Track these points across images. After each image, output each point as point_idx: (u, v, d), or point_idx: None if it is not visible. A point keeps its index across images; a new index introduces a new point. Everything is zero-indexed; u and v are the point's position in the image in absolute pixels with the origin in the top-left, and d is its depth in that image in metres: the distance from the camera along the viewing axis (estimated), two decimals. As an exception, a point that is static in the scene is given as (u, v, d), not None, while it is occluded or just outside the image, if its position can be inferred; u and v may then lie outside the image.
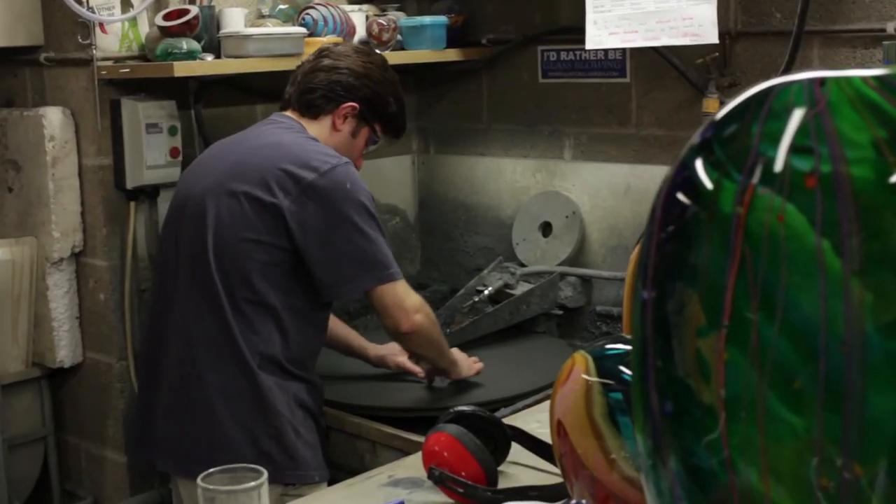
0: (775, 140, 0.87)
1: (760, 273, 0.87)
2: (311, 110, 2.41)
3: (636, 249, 1.57)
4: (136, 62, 2.80)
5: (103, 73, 2.75)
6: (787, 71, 2.65)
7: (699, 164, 0.91)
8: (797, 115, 0.87)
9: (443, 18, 3.21)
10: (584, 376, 1.34)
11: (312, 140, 2.35)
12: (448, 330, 2.96)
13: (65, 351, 2.90)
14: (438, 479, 1.53)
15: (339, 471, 2.37)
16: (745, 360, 0.88)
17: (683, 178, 0.93)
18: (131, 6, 2.81)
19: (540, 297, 3.09)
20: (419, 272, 3.65)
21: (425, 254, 3.65)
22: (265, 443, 2.21)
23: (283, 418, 2.24)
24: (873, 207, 0.84)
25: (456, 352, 2.56)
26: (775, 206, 0.86)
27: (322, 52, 2.46)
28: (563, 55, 3.24)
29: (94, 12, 2.72)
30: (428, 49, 3.18)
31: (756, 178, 0.87)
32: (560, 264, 3.19)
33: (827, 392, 0.85)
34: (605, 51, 3.08)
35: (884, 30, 2.61)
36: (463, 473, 1.53)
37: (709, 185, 0.90)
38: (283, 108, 2.47)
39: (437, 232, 3.61)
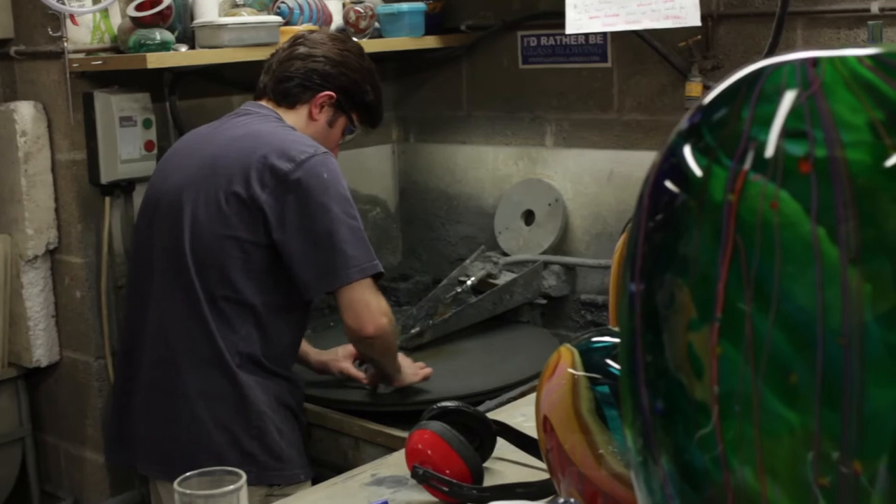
0: (767, 124, 0.83)
1: (754, 263, 0.83)
2: (287, 99, 2.36)
3: (622, 238, 1.54)
4: (108, 54, 2.75)
5: (75, 65, 2.69)
6: (770, 53, 2.61)
7: (688, 151, 0.87)
8: (790, 98, 0.84)
9: (421, 5, 3.16)
10: (571, 370, 1.30)
11: (289, 129, 2.31)
12: (431, 321, 2.92)
13: (41, 350, 2.85)
14: (422, 477, 1.49)
15: (322, 467, 2.33)
16: (738, 355, 0.84)
17: (671, 165, 0.88)
18: (102, -3, 2.75)
19: (523, 287, 3.05)
20: (401, 263, 3.60)
21: (406, 244, 3.61)
22: (248, 443, 2.17)
23: (266, 417, 2.19)
24: (870, 192, 0.80)
25: (401, 357, 2.49)
26: (768, 193, 0.82)
27: (297, 40, 2.41)
28: (544, 40, 3.20)
29: (64, 4, 2.66)
30: (406, 36, 3.13)
31: (748, 164, 0.83)
32: (543, 252, 3.15)
33: (824, 386, 0.81)
34: (586, 35, 3.04)
35: (867, 10, 2.57)
36: (447, 471, 1.49)
37: (698, 172, 0.86)
38: (258, 98, 2.42)
39: (419, 222, 3.57)
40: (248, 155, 2.19)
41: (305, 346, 2.55)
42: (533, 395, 2.13)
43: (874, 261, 0.79)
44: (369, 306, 2.21)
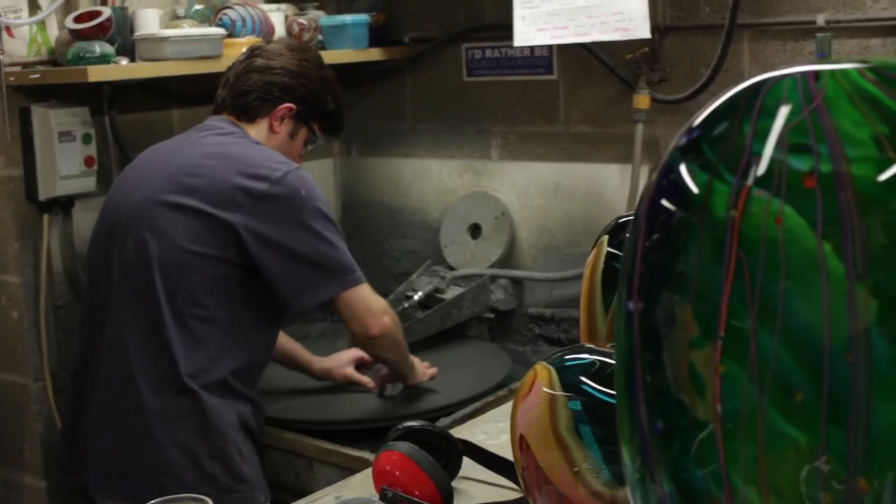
0: (769, 137, 0.82)
1: (757, 279, 0.81)
2: (246, 114, 2.32)
3: (593, 253, 1.52)
4: (46, 67, 2.68)
5: (11, 79, 2.62)
6: (719, 65, 2.63)
7: (687, 167, 0.85)
8: (792, 112, 0.82)
9: (364, 17, 3.13)
10: (547, 389, 1.27)
11: (256, 145, 2.27)
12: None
13: (-23, 372, 2.76)
14: (392, 500, 1.46)
15: (275, 489, 2.28)
16: (742, 373, 0.83)
17: (669, 181, 0.86)
18: (39, 9, 2.68)
19: (471, 301, 3.03)
20: (345, 278, 3.55)
21: (351, 259, 3.56)
22: (209, 464, 2.11)
23: (229, 439, 2.14)
24: (876, 207, 0.79)
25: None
26: (773, 209, 0.81)
27: (254, 52, 2.37)
28: (489, 52, 3.18)
29: (0, 15, 2.59)
30: (350, 49, 3.10)
31: (751, 180, 0.81)
32: (490, 266, 3.13)
33: (831, 404, 0.80)
34: (532, 48, 3.03)
35: (813, 22, 2.60)
36: (417, 493, 1.46)
37: (699, 188, 0.84)
38: (217, 112, 2.37)
39: (362, 236, 3.53)
40: (220, 174, 2.15)
41: (308, 355, 2.57)
42: (491, 412, 2.13)
43: (881, 276, 0.78)
44: (370, 309, 2.26)
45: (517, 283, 3.13)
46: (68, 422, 2.34)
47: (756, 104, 0.84)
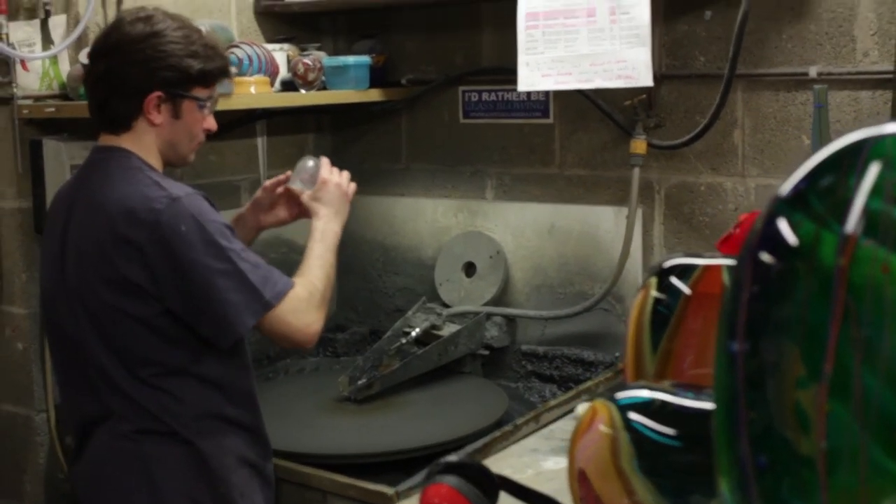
0: (875, 192, 0.89)
1: (864, 324, 0.88)
2: (118, 125, 2.09)
3: (640, 294, 1.58)
4: (57, 101, 2.71)
5: (25, 112, 2.64)
6: (716, 113, 2.72)
7: (794, 217, 0.92)
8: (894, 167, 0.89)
9: (366, 58, 3.19)
10: (603, 428, 1.33)
11: (130, 178, 2.04)
12: (377, 373, 2.93)
13: (-22, 403, 2.76)
14: (445, 531, 1.49)
15: (290, 524, 2.31)
16: (846, 412, 0.89)
17: (776, 230, 0.93)
18: (52, 43, 2.71)
19: (467, 338, 3.08)
20: (336, 314, 3.59)
21: (342, 295, 3.61)
22: None
23: (230, 484, 2.08)
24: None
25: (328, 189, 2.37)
26: (879, 258, 0.87)
27: (92, 56, 2.13)
28: (485, 95, 3.26)
29: (14, 49, 2.62)
30: (352, 89, 3.16)
31: (858, 230, 0.88)
32: (485, 304, 3.19)
33: (930, 442, 0.86)
34: (528, 92, 3.11)
35: (806, 74, 2.70)
36: (466, 525, 1.50)
37: (807, 238, 0.91)
38: (97, 135, 2.18)
39: (355, 273, 3.57)
40: (101, 234, 1.99)
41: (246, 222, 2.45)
42: (513, 448, 2.19)
43: (979, 322, 0.85)
44: (290, 329, 2.07)
45: (511, 320, 3.20)
46: (71, 467, 2.27)
47: (860, 159, 0.91)
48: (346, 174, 2.41)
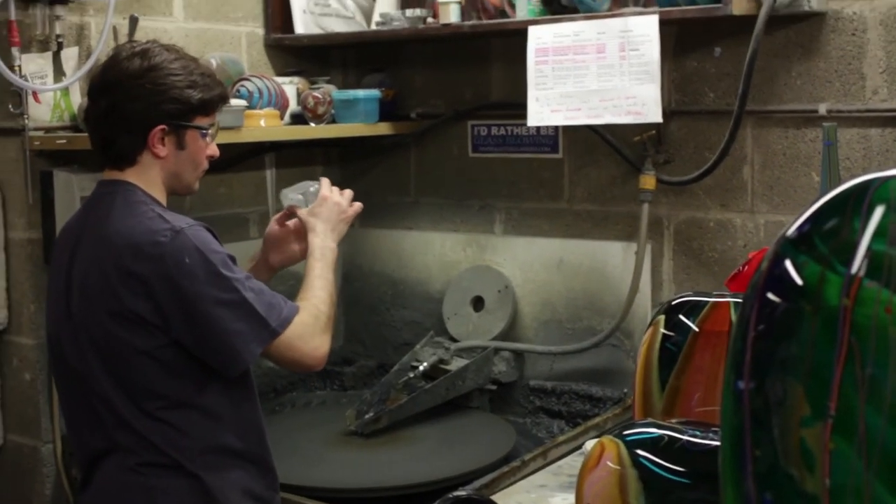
0: (879, 234, 0.89)
1: (868, 363, 0.88)
2: (123, 160, 2.09)
3: (649, 331, 1.59)
4: (67, 133, 2.72)
5: (36, 143, 2.66)
6: (725, 150, 2.73)
7: (799, 259, 0.92)
8: (900, 209, 0.89)
9: (375, 92, 3.21)
10: (611, 464, 1.32)
11: (135, 212, 2.04)
12: (384, 407, 2.93)
13: (-15, 433, 2.76)
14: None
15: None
16: (851, 450, 0.89)
17: (781, 270, 0.93)
18: (64, 75, 2.73)
19: (475, 373, 3.08)
20: (342, 347, 3.59)
21: (349, 328, 3.61)
22: None
23: None
24: (980, 299, 0.86)
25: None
26: (883, 299, 0.88)
27: (91, 93, 2.13)
28: (494, 130, 3.27)
29: (27, 80, 2.64)
30: (361, 122, 3.17)
31: (862, 272, 0.89)
32: (493, 339, 3.19)
33: (934, 481, 0.86)
34: (538, 127, 3.12)
35: (815, 111, 2.71)
36: (473, 560, 1.50)
37: (812, 278, 0.91)
38: (102, 169, 2.17)
39: (362, 306, 3.58)
40: (107, 267, 1.99)
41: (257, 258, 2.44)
42: (521, 483, 2.18)
43: (983, 363, 0.85)
44: (298, 355, 2.07)
45: (519, 355, 3.19)
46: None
47: (865, 201, 0.91)
48: (348, 193, 2.41)
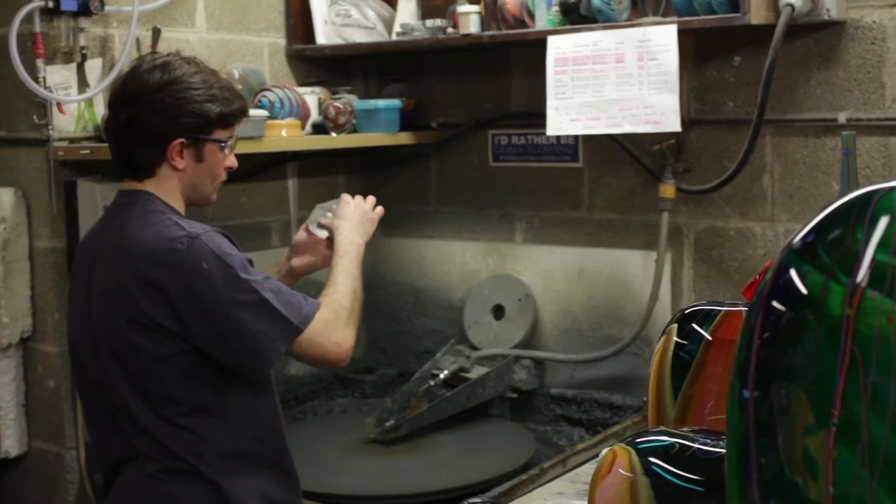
0: (882, 244, 0.90)
1: (871, 372, 0.89)
2: (142, 172, 2.11)
3: (662, 340, 1.59)
4: (91, 143, 2.76)
5: (60, 153, 2.70)
6: (745, 159, 2.73)
7: (803, 269, 0.93)
8: (903, 219, 0.90)
9: (396, 102, 3.23)
10: (623, 472, 1.33)
11: (152, 220, 2.06)
12: (405, 414, 2.94)
13: (10, 440, 2.79)
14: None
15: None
16: (854, 458, 0.90)
17: (786, 280, 0.94)
18: (88, 86, 2.77)
19: (495, 381, 3.09)
20: (364, 355, 3.61)
21: (371, 337, 3.63)
22: None
23: None
24: (981, 308, 0.86)
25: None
26: (885, 308, 0.88)
27: (112, 106, 2.15)
28: (515, 139, 3.28)
29: (52, 92, 2.68)
30: (382, 132, 3.19)
31: (864, 282, 0.89)
32: (513, 347, 3.20)
33: (937, 489, 0.87)
34: (558, 136, 3.13)
35: (835, 119, 2.71)
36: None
37: (815, 288, 0.92)
38: (120, 179, 2.19)
39: (383, 314, 3.59)
40: (125, 275, 2.01)
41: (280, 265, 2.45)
42: (538, 491, 2.19)
43: (985, 371, 0.86)
44: (322, 351, 2.09)
45: (539, 363, 3.20)
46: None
47: (868, 212, 0.92)
48: (370, 199, 2.43)
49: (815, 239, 0.94)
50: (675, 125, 2.68)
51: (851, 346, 0.89)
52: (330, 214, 2.41)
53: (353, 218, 2.38)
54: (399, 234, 3.55)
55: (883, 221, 0.91)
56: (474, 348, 3.26)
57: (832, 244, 0.93)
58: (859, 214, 0.93)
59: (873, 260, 0.90)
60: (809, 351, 0.91)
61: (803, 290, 0.93)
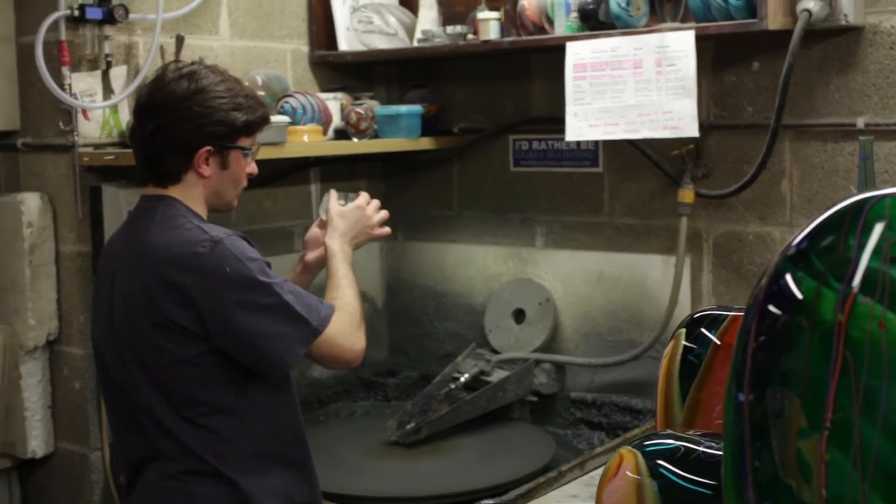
0: (874, 251, 0.91)
1: (862, 377, 0.90)
2: (167, 179, 2.15)
3: (670, 345, 1.61)
4: (115, 149, 2.80)
5: (85, 159, 2.74)
6: (763, 163, 2.74)
7: (797, 274, 0.95)
8: (894, 228, 0.92)
9: (418, 107, 3.26)
10: (630, 474, 1.35)
11: (175, 224, 2.10)
12: (426, 417, 2.97)
13: (37, 441, 2.84)
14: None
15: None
16: (846, 461, 0.91)
17: (780, 286, 0.96)
18: (112, 93, 2.81)
19: (516, 384, 3.11)
20: (387, 358, 3.64)
21: (393, 340, 3.66)
22: None
23: None
24: (971, 314, 0.88)
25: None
26: (876, 314, 0.90)
27: (138, 114, 2.17)
28: (535, 144, 3.30)
29: (77, 98, 2.72)
30: (403, 138, 3.22)
31: (856, 288, 0.91)
32: (534, 351, 3.22)
33: (928, 492, 0.88)
34: (578, 141, 3.15)
35: (853, 124, 2.71)
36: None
37: (808, 294, 0.94)
38: (145, 184, 2.22)
39: (406, 318, 3.62)
40: (148, 279, 2.05)
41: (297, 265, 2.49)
42: (553, 493, 2.20)
43: (975, 376, 0.87)
44: (339, 352, 2.14)
45: (560, 367, 3.22)
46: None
47: (860, 219, 0.94)
48: (374, 203, 2.46)
49: (808, 245, 0.96)
50: (693, 130, 2.69)
51: (843, 351, 0.91)
52: (342, 202, 2.44)
53: (353, 226, 2.42)
54: (421, 238, 3.58)
55: (875, 228, 0.93)
56: (495, 352, 3.28)
57: (825, 251, 0.95)
58: (852, 221, 0.95)
59: (865, 266, 0.91)
60: (803, 355, 0.93)
61: (798, 295, 0.95)
